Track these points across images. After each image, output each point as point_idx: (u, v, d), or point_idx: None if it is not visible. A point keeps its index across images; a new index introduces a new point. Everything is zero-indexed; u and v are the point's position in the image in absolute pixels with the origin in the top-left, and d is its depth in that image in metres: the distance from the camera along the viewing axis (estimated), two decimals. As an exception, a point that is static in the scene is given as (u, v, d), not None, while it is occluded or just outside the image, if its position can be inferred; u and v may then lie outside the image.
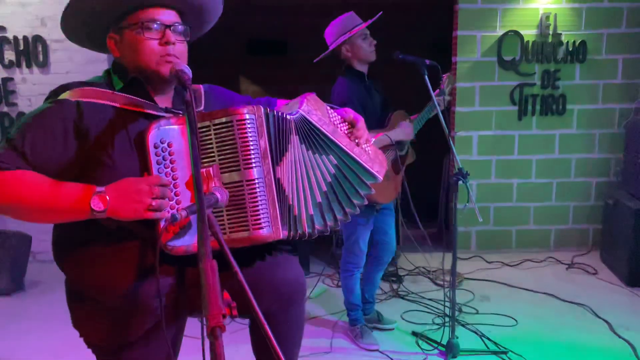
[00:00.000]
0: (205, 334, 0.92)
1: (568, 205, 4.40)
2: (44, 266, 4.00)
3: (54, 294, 3.57)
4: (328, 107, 1.69)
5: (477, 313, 3.23)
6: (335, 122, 1.68)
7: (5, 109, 4.09)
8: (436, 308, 3.30)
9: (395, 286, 3.67)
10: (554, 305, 3.36)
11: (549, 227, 4.43)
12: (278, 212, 1.41)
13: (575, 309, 3.28)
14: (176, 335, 1.52)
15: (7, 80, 4.06)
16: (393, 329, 3.03)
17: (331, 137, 1.62)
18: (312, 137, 1.58)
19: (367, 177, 1.71)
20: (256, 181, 1.36)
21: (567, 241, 4.42)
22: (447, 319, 2.85)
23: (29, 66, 4.05)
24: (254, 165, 1.36)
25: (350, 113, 1.73)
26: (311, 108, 1.60)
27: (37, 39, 4.02)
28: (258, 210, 1.36)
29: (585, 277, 3.87)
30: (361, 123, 1.73)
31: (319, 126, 1.59)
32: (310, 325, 3.07)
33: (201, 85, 1.62)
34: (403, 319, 3.16)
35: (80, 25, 1.45)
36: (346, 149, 1.66)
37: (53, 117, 1.33)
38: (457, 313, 2.98)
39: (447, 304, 2.65)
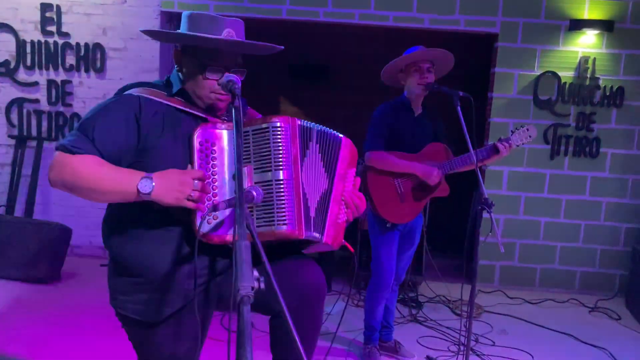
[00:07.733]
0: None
1: (596, 248, 4.37)
2: (81, 260, 4.18)
3: (88, 286, 3.76)
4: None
5: (494, 345, 3.24)
6: (350, 177, 1.71)
7: (62, 109, 4.38)
8: (452, 336, 3.33)
9: (414, 311, 3.71)
10: (573, 346, 3.34)
11: (574, 268, 4.40)
12: (302, 212, 1.53)
13: (594, 352, 3.25)
14: (205, 319, 1.63)
15: (65, 82, 4.35)
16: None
17: (336, 174, 1.66)
18: (329, 158, 1.64)
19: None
20: (284, 182, 1.50)
21: (592, 284, 4.38)
22: (462, 347, 2.87)
23: (87, 71, 4.34)
24: (283, 167, 1.50)
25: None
26: (348, 146, 1.69)
27: (97, 46, 4.31)
28: (283, 208, 1.49)
29: (607, 321, 3.83)
30: (363, 200, 1.73)
31: (339, 158, 1.66)
32: (326, 342, 3.13)
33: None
34: (419, 343, 3.20)
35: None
36: (332, 193, 1.65)
37: (119, 108, 1.52)
38: (473, 343, 3.00)
39: (464, 333, 2.67)
